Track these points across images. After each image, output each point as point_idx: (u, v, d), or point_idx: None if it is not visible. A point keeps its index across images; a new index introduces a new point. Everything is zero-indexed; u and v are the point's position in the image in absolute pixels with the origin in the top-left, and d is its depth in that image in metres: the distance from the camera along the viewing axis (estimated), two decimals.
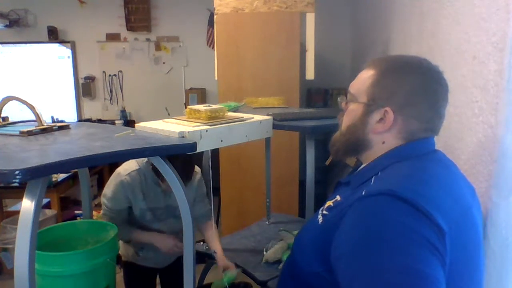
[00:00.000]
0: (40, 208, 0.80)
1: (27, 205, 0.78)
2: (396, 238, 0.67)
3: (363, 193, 0.75)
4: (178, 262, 1.75)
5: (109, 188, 1.70)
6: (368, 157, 0.90)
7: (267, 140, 1.86)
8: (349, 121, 0.91)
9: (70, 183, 3.40)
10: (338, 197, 0.87)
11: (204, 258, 1.75)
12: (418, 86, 0.84)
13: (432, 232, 0.67)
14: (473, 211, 0.81)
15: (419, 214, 0.68)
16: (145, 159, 1.68)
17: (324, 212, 0.87)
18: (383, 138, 0.87)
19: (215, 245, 1.73)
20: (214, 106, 1.26)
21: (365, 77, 0.89)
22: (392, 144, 0.86)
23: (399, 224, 0.68)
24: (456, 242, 0.70)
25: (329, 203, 0.88)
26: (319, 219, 0.87)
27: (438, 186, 0.76)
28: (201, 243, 1.80)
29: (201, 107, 1.24)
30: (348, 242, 0.73)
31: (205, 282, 1.73)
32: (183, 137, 1.07)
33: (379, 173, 0.82)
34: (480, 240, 0.82)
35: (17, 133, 1.07)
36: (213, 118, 1.21)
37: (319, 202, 1.47)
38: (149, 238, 1.75)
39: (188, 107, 1.25)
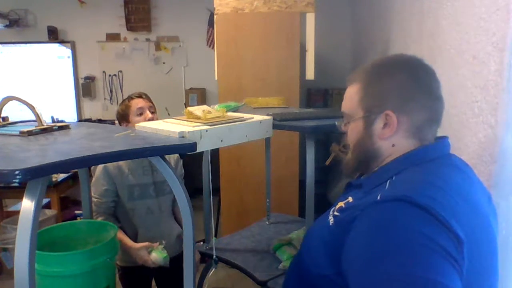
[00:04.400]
0: (40, 208, 0.80)
1: (27, 205, 0.78)
2: (413, 248, 0.65)
3: (378, 198, 0.73)
4: (172, 263, 1.74)
5: (95, 173, 1.79)
6: (381, 163, 0.88)
7: (267, 140, 1.85)
8: (355, 139, 0.90)
9: (70, 183, 3.40)
10: (350, 199, 0.86)
11: (204, 258, 1.75)
12: (406, 80, 0.83)
13: (450, 242, 0.65)
14: (490, 219, 0.79)
15: (436, 223, 0.66)
16: None
17: (336, 213, 0.85)
18: (392, 141, 0.85)
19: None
20: (212, 110, 1.25)
21: (352, 93, 0.88)
22: (402, 144, 0.85)
23: (416, 233, 0.65)
24: (472, 252, 0.68)
25: (341, 204, 0.86)
26: (330, 220, 0.85)
27: (455, 193, 0.74)
28: (201, 243, 1.80)
29: (199, 110, 1.24)
30: (362, 248, 0.71)
31: (205, 282, 1.72)
32: (183, 137, 1.07)
33: (394, 177, 0.81)
34: (496, 249, 0.80)
35: (17, 133, 1.06)
36: (212, 119, 1.21)
37: (319, 202, 1.47)
38: (126, 243, 1.73)
39: (187, 108, 1.25)
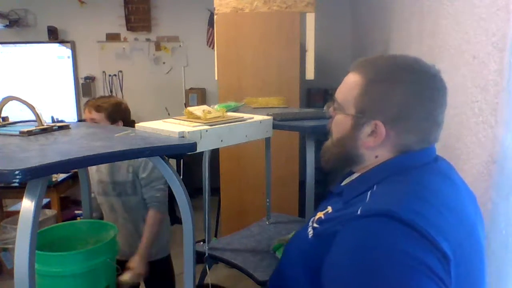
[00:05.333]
0: (40, 208, 0.80)
1: (27, 205, 0.78)
2: (397, 269, 0.61)
3: (359, 212, 0.68)
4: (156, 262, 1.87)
5: None
6: (361, 170, 0.84)
7: (267, 140, 1.85)
8: (339, 134, 0.84)
9: (70, 183, 3.40)
10: (329, 209, 0.81)
11: (204, 258, 1.74)
12: (411, 97, 0.75)
13: (437, 260, 0.62)
14: (477, 228, 0.75)
15: (423, 241, 0.62)
16: None
17: (315, 225, 0.80)
18: (376, 153, 0.80)
19: (142, 239, 1.80)
20: (212, 110, 1.26)
21: (352, 84, 0.81)
22: (386, 157, 0.79)
23: (401, 253, 0.61)
24: (460, 267, 0.65)
25: (320, 214, 0.81)
26: (309, 233, 0.80)
27: (442, 205, 0.69)
28: (201, 243, 1.80)
29: (199, 110, 1.24)
30: (344, 269, 0.66)
31: (205, 282, 1.73)
32: (183, 137, 1.07)
33: (375, 187, 0.75)
34: (484, 258, 0.76)
35: (17, 133, 1.06)
36: (212, 119, 1.21)
37: (319, 202, 1.47)
38: None
39: (187, 108, 1.25)
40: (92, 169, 1.88)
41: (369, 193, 0.74)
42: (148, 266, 1.78)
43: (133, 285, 1.75)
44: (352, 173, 0.91)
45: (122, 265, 1.66)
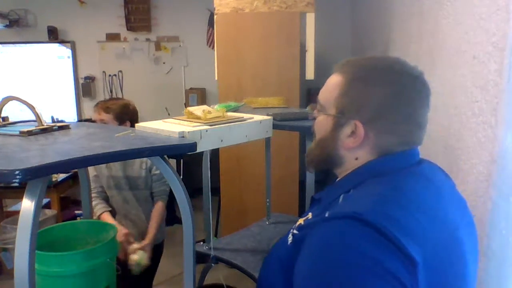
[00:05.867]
0: (40, 208, 0.80)
1: (27, 205, 0.78)
2: (353, 271, 0.59)
3: (326, 215, 0.67)
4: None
5: None
6: (342, 173, 0.82)
7: (267, 140, 1.85)
8: (320, 134, 0.84)
9: (70, 183, 3.40)
10: (310, 215, 0.80)
11: (204, 258, 1.75)
12: (390, 97, 0.74)
13: (400, 264, 0.59)
14: (459, 232, 0.73)
15: (385, 242, 0.60)
16: None
17: (294, 231, 0.78)
18: (356, 154, 0.78)
19: (151, 225, 2.02)
20: (212, 110, 1.26)
21: (333, 84, 0.81)
22: (366, 159, 0.78)
23: (359, 254, 0.60)
24: (433, 272, 0.63)
25: (300, 221, 0.80)
26: (289, 239, 0.79)
27: (416, 208, 0.68)
28: (201, 243, 1.80)
29: (199, 110, 1.24)
30: (305, 270, 0.65)
31: (205, 282, 1.73)
32: (183, 137, 1.07)
33: (351, 191, 0.74)
34: (468, 264, 0.73)
35: (17, 133, 1.06)
36: (212, 119, 1.22)
37: None
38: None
39: (187, 108, 1.25)
40: (102, 165, 1.96)
41: (342, 196, 0.74)
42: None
43: (145, 268, 1.93)
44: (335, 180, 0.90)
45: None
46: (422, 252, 0.62)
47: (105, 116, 1.98)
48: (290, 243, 0.77)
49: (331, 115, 0.80)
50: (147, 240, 1.98)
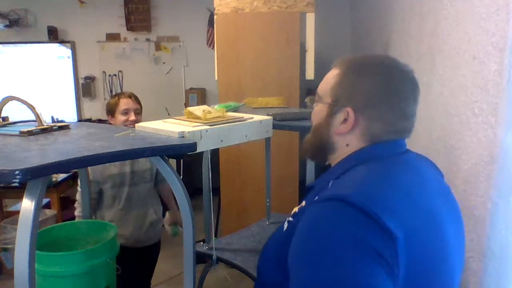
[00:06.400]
0: (40, 208, 0.80)
1: (27, 205, 0.78)
2: (336, 247, 0.64)
3: (316, 198, 0.73)
4: (142, 254, 2.08)
5: None
6: (334, 161, 0.88)
7: (267, 140, 1.85)
8: (315, 122, 0.89)
9: (70, 183, 3.40)
10: (303, 203, 0.85)
11: (204, 258, 1.75)
12: (379, 87, 0.80)
13: (380, 238, 0.64)
14: (442, 216, 0.77)
15: (366, 219, 0.64)
16: None
17: (290, 218, 0.84)
18: (347, 140, 0.84)
19: (171, 204, 2.26)
20: (212, 110, 1.26)
21: (330, 77, 0.87)
22: (356, 146, 0.83)
23: (341, 231, 0.65)
24: (414, 250, 0.67)
25: (295, 209, 0.85)
26: (285, 226, 0.84)
27: (396, 189, 0.73)
28: (201, 243, 1.80)
29: (199, 110, 1.24)
30: (294, 251, 0.71)
31: (205, 282, 1.73)
32: (183, 137, 1.07)
33: (340, 177, 0.79)
34: (448, 245, 0.77)
35: (17, 133, 1.07)
36: (212, 119, 1.22)
37: None
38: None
39: (187, 108, 1.26)
40: (105, 164, 1.93)
41: (331, 182, 0.79)
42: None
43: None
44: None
45: (136, 252, 2.02)
46: (402, 228, 0.66)
47: (138, 106, 2.06)
48: (286, 230, 0.83)
49: (327, 103, 0.86)
50: (173, 215, 2.26)
